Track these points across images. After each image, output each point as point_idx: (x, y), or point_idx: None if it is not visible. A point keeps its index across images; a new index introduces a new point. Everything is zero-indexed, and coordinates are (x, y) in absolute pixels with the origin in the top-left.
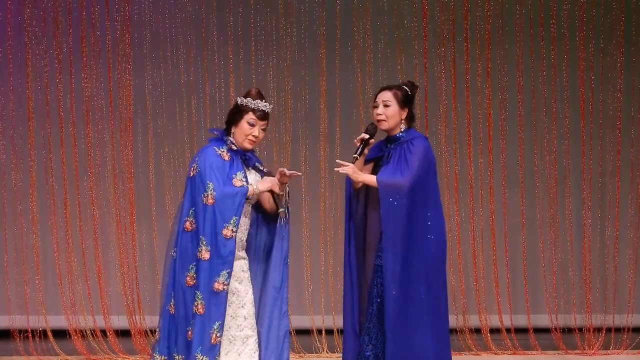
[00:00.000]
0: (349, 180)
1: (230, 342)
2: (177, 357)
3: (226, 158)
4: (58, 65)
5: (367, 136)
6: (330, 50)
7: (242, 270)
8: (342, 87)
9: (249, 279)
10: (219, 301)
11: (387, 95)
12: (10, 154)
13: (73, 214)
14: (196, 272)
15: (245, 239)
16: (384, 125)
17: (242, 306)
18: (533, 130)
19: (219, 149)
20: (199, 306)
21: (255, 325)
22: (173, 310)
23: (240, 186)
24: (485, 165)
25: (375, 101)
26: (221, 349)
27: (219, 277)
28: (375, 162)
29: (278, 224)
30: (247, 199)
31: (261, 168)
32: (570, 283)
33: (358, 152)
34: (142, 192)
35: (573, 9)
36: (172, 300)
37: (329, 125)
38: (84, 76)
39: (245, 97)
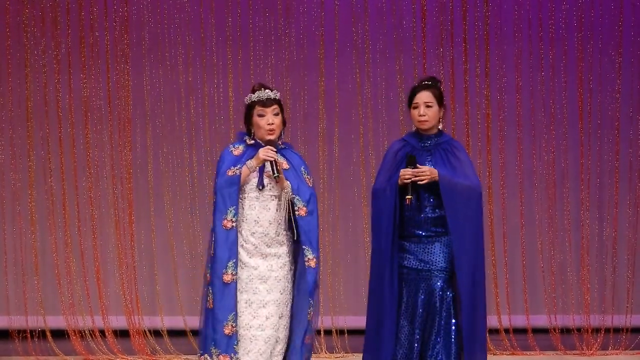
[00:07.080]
0: (395, 185)
1: (252, 342)
2: (213, 351)
3: (236, 153)
4: (57, 65)
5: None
6: (328, 51)
7: (270, 270)
8: (341, 87)
9: (279, 278)
10: (228, 292)
11: (428, 96)
12: (9, 154)
13: (72, 214)
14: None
15: (274, 235)
16: (426, 125)
17: (264, 306)
18: (532, 130)
19: (233, 147)
20: (210, 301)
21: (278, 325)
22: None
23: (232, 175)
24: (484, 166)
25: (414, 102)
26: (241, 348)
27: (226, 269)
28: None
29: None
30: (249, 181)
31: (286, 165)
32: (569, 283)
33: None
34: (140, 193)
35: (571, 10)
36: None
37: (328, 126)
38: (83, 76)
39: (249, 95)
